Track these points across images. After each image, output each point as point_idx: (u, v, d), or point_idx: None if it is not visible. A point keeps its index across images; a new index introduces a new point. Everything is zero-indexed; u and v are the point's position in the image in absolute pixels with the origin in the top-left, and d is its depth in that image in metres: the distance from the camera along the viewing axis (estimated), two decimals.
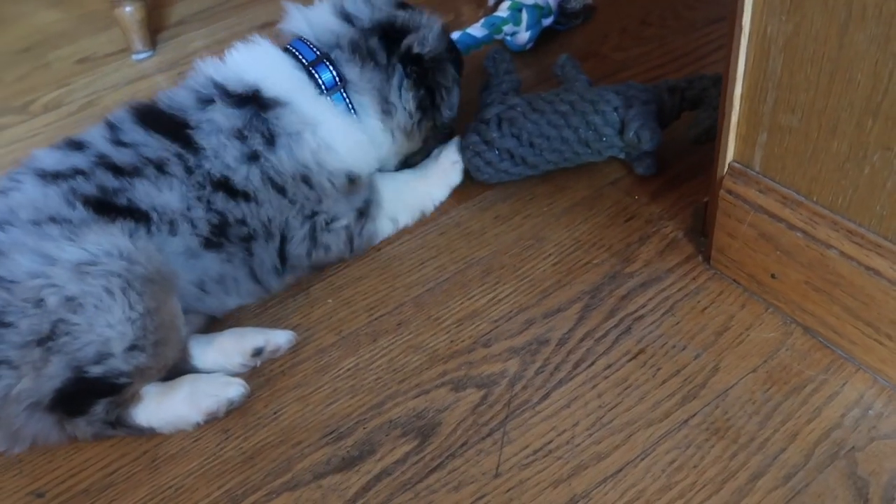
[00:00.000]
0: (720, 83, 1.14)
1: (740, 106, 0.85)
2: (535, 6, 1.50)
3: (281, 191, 1.01)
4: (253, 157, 0.99)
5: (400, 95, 1.08)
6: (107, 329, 0.85)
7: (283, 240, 1.03)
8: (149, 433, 0.91)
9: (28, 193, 0.91)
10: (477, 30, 1.49)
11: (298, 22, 1.09)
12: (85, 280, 0.84)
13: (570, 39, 1.56)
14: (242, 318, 1.07)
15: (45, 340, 0.83)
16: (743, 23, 0.79)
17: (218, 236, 0.98)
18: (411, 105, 1.09)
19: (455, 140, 1.17)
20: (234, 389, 0.92)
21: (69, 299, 0.83)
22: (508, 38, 1.52)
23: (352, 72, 1.06)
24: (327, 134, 1.02)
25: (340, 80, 1.06)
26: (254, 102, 1.00)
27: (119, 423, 0.88)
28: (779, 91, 0.80)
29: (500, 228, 1.14)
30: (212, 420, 0.92)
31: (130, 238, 0.89)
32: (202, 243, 0.97)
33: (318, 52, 1.06)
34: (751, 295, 0.97)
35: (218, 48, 1.76)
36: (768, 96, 0.82)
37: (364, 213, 1.08)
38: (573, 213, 1.15)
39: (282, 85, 1.02)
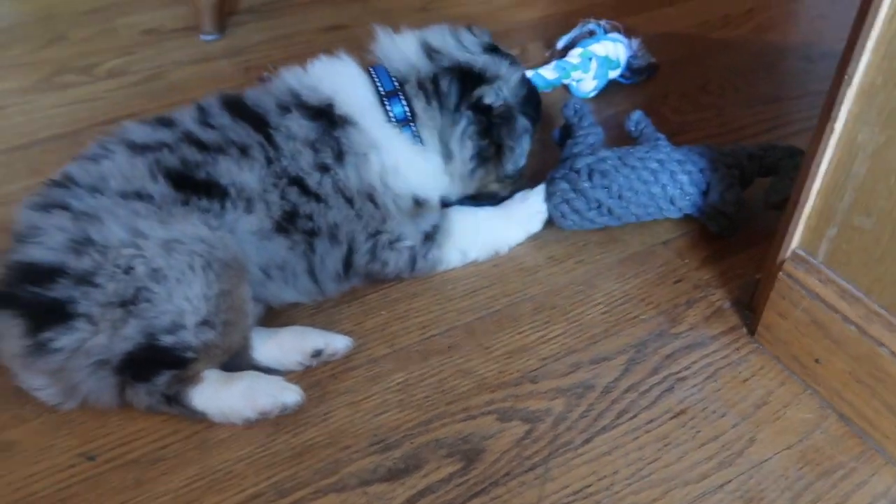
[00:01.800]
0: (794, 156, 1.22)
1: (815, 200, 0.91)
2: (606, 58, 1.55)
3: (349, 202, 1.05)
4: (324, 168, 1.04)
5: (461, 143, 1.11)
6: (184, 302, 0.89)
7: (350, 250, 1.07)
8: (200, 417, 0.94)
9: (118, 162, 0.97)
10: (548, 72, 1.54)
11: (384, 48, 1.13)
12: (171, 255, 0.90)
13: (632, 94, 1.61)
14: (297, 317, 1.10)
15: (128, 304, 0.88)
16: (835, 126, 0.84)
17: (287, 223, 1.02)
18: (468, 155, 1.12)
19: (541, 188, 1.20)
20: (291, 396, 0.94)
21: (155, 270, 0.89)
22: (574, 84, 1.57)
23: (418, 106, 1.10)
24: (392, 158, 1.06)
25: (411, 114, 1.10)
26: (325, 117, 1.05)
27: (175, 401, 0.91)
28: (858, 193, 0.86)
29: (553, 269, 1.18)
30: (262, 419, 0.94)
31: (207, 225, 0.94)
32: (274, 226, 1.01)
33: (395, 84, 1.09)
34: (791, 374, 1.01)
35: (284, 42, 1.83)
36: (846, 196, 0.87)
37: (431, 237, 1.11)
38: (624, 266, 1.19)
39: (354, 105, 1.06)
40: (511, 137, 1.12)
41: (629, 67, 1.59)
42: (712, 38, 1.80)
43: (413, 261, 1.11)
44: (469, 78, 1.10)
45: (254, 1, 2.00)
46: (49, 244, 0.89)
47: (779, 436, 0.95)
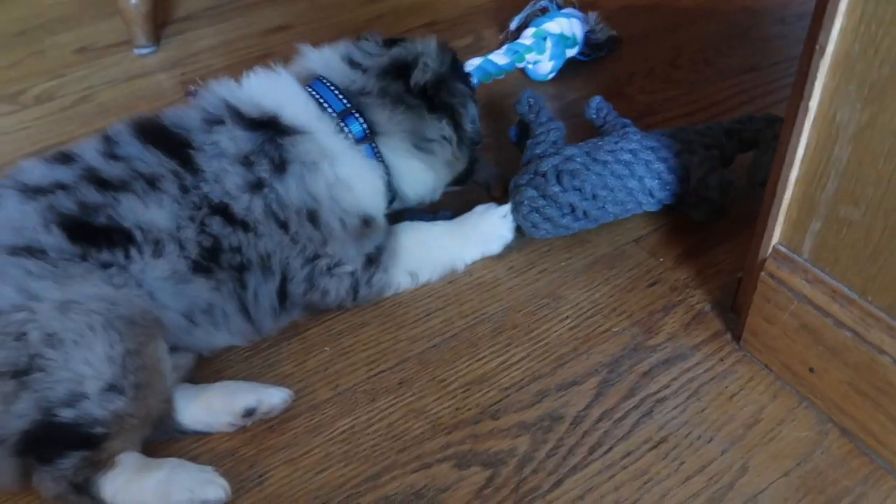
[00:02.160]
0: (774, 124, 1.10)
1: (794, 189, 0.79)
2: (562, 35, 1.43)
3: (283, 226, 0.95)
4: (256, 187, 0.93)
5: (433, 128, 1.06)
6: (84, 366, 0.79)
7: (284, 279, 0.96)
8: None
9: (8, 210, 0.87)
10: (499, 57, 1.42)
11: (316, 63, 1.06)
12: (67, 317, 0.80)
13: (594, 75, 1.49)
14: (232, 361, 0.99)
15: (20, 374, 0.78)
16: (809, 105, 0.72)
17: (208, 261, 0.91)
18: (447, 131, 1.07)
19: (504, 207, 1.08)
20: (213, 491, 0.81)
21: (50, 335, 0.79)
22: (530, 66, 1.45)
23: (381, 117, 1.03)
24: (346, 170, 0.98)
25: (370, 129, 1.03)
26: (270, 128, 0.96)
27: (84, 490, 0.79)
28: (842, 181, 0.74)
29: (513, 282, 1.07)
30: None
31: (110, 284, 0.84)
32: (190, 266, 0.90)
33: (346, 103, 1.01)
34: (783, 385, 0.90)
35: (225, 49, 1.71)
36: (829, 184, 0.75)
37: (374, 260, 1.00)
38: (593, 271, 1.07)
39: (302, 117, 0.98)
40: (456, 96, 1.07)
41: (587, 43, 1.47)
42: (679, 7, 1.67)
43: (355, 288, 1.00)
44: (403, 70, 1.05)
45: (193, 7, 1.88)
46: None
47: (774, 460, 0.83)
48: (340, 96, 1.01)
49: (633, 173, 1.06)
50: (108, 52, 1.72)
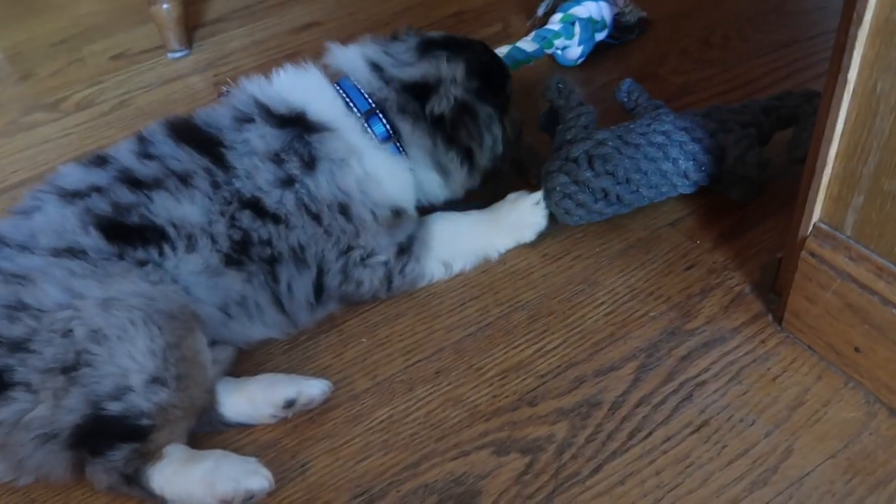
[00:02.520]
0: (813, 99, 1.08)
1: (834, 164, 0.76)
2: (590, 19, 1.41)
3: (316, 219, 0.96)
4: (287, 182, 0.95)
5: (447, 157, 1.05)
6: (128, 360, 0.82)
7: (320, 272, 0.98)
8: (160, 501, 0.83)
9: (49, 214, 0.90)
10: (527, 43, 1.41)
11: (341, 62, 1.05)
12: (110, 313, 0.82)
13: (625, 57, 1.47)
14: (272, 354, 1.01)
15: (69, 370, 0.80)
16: (848, 77, 0.70)
17: (239, 253, 0.93)
18: (457, 162, 1.05)
19: (536, 194, 1.07)
20: (258, 481, 0.82)
21: (94, 331, 0.82)
22: (559, 52, 1.43)
23: (403, 128, 1.03)
24: (373, 165, 0.98)
25: (394, 132, 1.02)
26: (298, 124, 0.97)
27: (135, 480, 0.82)
28: (884, 153, 0.71)
29: (548, 269, 1.06)
30: None
31: (147, 281, 0.87)
32: (222, 260, 0.92)
33: (371, 103, 1.01)
34: (828, 365, 0.88)
35: (256, 49, 1.73)
36: (870, 157, 0.73)
37: (406, 250, 1.01)
38: (628, 256, 1.06)
39: (329, 114, 0.99)
40: (473, 135, 1.03)
41: (617, 26, 1.45)
42: None
43: (389, 278, 1.01)
44: (422, 93, 1.03)
45: (223, 9, 1.91)
46: None
47: (820, 443, 0.81)
48: (366, 96, 1.02)
49: (667, 155, 1.04)
50: (142, 57, 1.76)
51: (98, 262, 0.86)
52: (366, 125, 1.00)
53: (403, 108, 1.02)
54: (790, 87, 1.29)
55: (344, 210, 0.97)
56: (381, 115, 1.01)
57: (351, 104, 1.01)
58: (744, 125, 1.07)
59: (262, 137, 0.95)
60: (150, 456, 0.82)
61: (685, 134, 1.05)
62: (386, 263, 1.00)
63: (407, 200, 1.04)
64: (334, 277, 0.99)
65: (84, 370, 0.80)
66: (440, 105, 1.01)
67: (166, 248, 0.89)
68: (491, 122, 1.05)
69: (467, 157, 1.05)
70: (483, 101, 1.04)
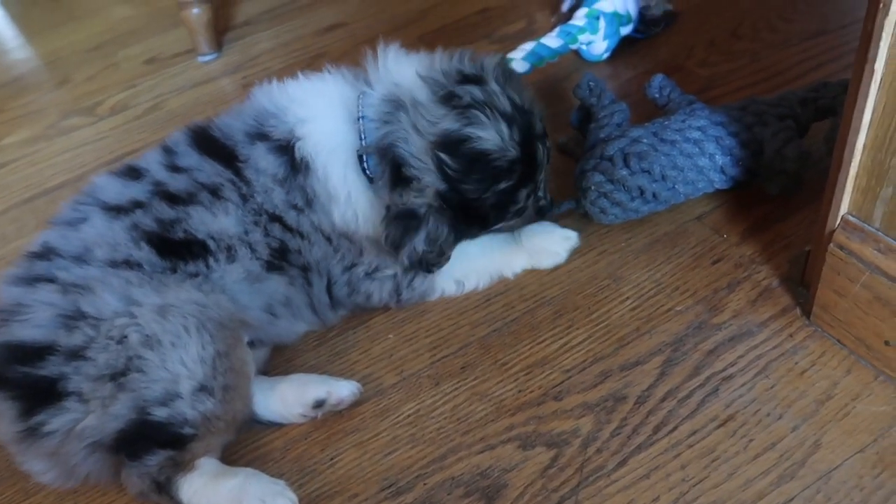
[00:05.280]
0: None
1: (862, 156, 0.76)
2: (615, 14, 1.41)
3: (328, 239, 0.97)
4: (297, 209, 0.95)
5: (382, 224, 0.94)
6: (179, 366, 0.83)
7: (329, 282, 1.00)
8: None
9: (98, 228, 0.91)
10: (552, 40, 1.41)
11: (379, 74, 0.97)
12: (166, 319, 0.84)
13: (652, 51, 1.46)
14: (301, 350, 1.03)
15: (118, 376, 0.82)
16: (875, 67, 0.69)
17: (279, 259, 0.95)
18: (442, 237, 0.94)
19: (569, 230, 1.06)
20: (283, 502, 0.84)
21: (149, 336, 0.83)
22: (584, 47, 1.43)
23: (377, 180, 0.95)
24: (363, 205, 0.95)
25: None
26: (291, 155, 0.94)
27: (165, 490, 0.84)
28: None
29: (573, 264, 1.06)
30: None
31: (199, 290, 0.88)
32: (264, 266, 0.94)
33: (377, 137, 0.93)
34: (858, 359, 0.87)
35: (283, 51, 1.76)
36: None
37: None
38: (654, 250, 1.06)
39: (319, 140, 0.94)
40: (398, 236, 0.92)
41: (642, 20, 1.44)
42: None
43: (398, 290, 1.02)
44: (398, 167, 0.92)
45: (252, 11, 1.94)
46: (36, 321, 0.84)
47: (849, 437, 0.81)
48: (376, 126, 0.93)
49: (704, 151, 1.03)
50: (174, 61, 1.80)
51: (154, 274, 0.88)
52: (363, 160, 0.94)
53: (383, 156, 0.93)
54: (821, 78, 1.27)
55: (346, 235, 0.97)
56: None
57: (361, 130, 0.95)
58: (781, 118, 1.05)
59: (266, 161, 0.94)
60: (184, 466, 0.84)
61: (721, 128, 1.04)
62: (394, 277, 1.00)
63: None
64: (341, 289, 1.00)
65: (134, 375, 0.82)
66: (400, 199, 0.91)
67: (210, 261, 0.91)
68: (422, 240, 0.92)
69: (457, 231, 0.95)
70: (440, 218, 0.92)
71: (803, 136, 1.08)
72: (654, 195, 1.03)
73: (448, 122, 0.90)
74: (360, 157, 0.95)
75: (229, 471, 0.86)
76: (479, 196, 0.92)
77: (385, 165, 0.92)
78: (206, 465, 0.85)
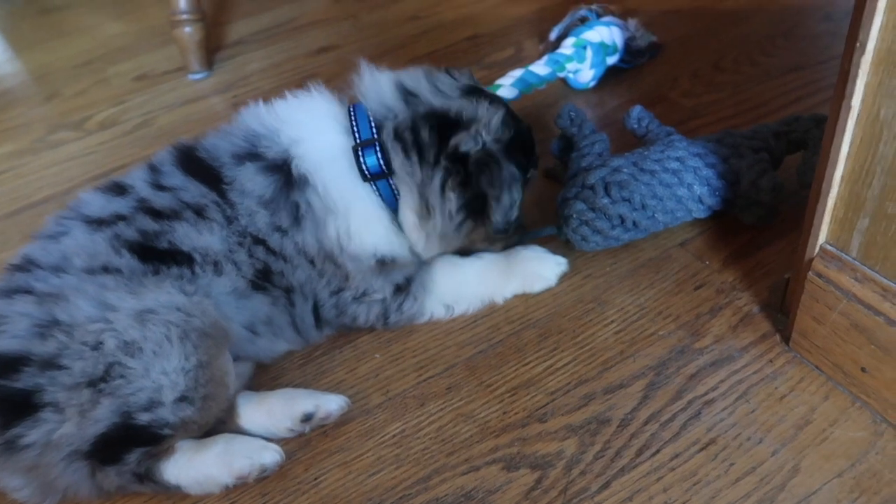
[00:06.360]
0: (822, 123, 1.09)
1: (840, 188, 0.78)
2: (601, 44, 1.44)
3: (311, 262, 0.97)
4: (281, 230, 0.95)
5: (441, 197, 0.96)
6: (162, 376, 0.83)
7: (316, 304, 1.00)
8: (175, 491, 0.87)
9: (78, 239, 0.91)
10: (540, 67, 1.44)
11: (365, 84, 1.01)
12: (146, 326, 0.84)
13: (637, 81, 1.49)
14: (287, 368, 1.03)
15: (97, 382, 0.82)
16: (852, 103, 0.72)
17: (263, 280, 0.95)
18: (452, 208, 0.97)
19: (559, 256, 1.09)
20: (270, 456, 0.87)
21: (128, 343, 0.83)
22: (571, 75, 1.46)
23: (395, 160, 0.96)
24: (347, 223, 0.96)
25: (387, 167, 0.97)
26: (282, 173, 0.95)
27: (147, 477, 0.85)
28: (888, 177, 0.73)
29: (559, 287, 1.08)
30: (241, 483, 0.87)
31: (182, 291, 0.88)
32: (249, 285, 0.95)
33: (373, 131, 0.97)
34: (835, 385, 0.89)
35: (274, 72, 1.77)
36: (875, 181, 0.74)
37: (404, 289, 1.01)
38: (638, 275, 1.08)
39: (314, 157, 0.95)
40: (495, 186, 0.95)
41: (628, 50, 1.48)
42: (721, 8, 1.66)
43: (385, 314, 1.02)
44: (445, 125, 0.96)
45: (244, 31, 1.96)
46: (13, 332, 0.83)
47: (827, 461, 0.82)
48: (372, 124, 0.97)
49: (682, 181, 1.05)
50: (164, 78, 1.81)
51: (132, 277, 0.88)
52: (360, 155, 0.96)
53: (403, 133, 0.96)
54: (799, 111, 1.32)
55: (331, 259, 0.97)
56: (377, 148, 0.96)
57: (354, 127, 0.97)
58: (756, 150, 1.08)
59: (253, 183, 0.94)
60: (163, 454, 0.85)
61: (699, 160, 1.06)
62: (383, 301, 1.01)
63: (392, 250, 0.99)
64: (329, 311, 1.01)
65: (117, 382, 0.82)
66: (467, 144, 0.94)
67: (197, 269, 0.91)
68: (513, 182, 0.97)
69: (472, 208, 0.97)
70: (511, 158, 0.97)
71: (777, 168, 1.11)
72: (634, 223, 1.05)
73: (465, 80, 1.03)
74: (356, 155, 0.96)
75: (208, 440, 0.88)
76: (519, 127, 1.00)
77: (424, 132, 0.95)
78: (185, 444, 0.87)
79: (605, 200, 1.04)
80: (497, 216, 0.97)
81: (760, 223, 1.09)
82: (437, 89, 0.99)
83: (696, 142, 1.11)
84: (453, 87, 1.00)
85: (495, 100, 1.01)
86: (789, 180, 1.11)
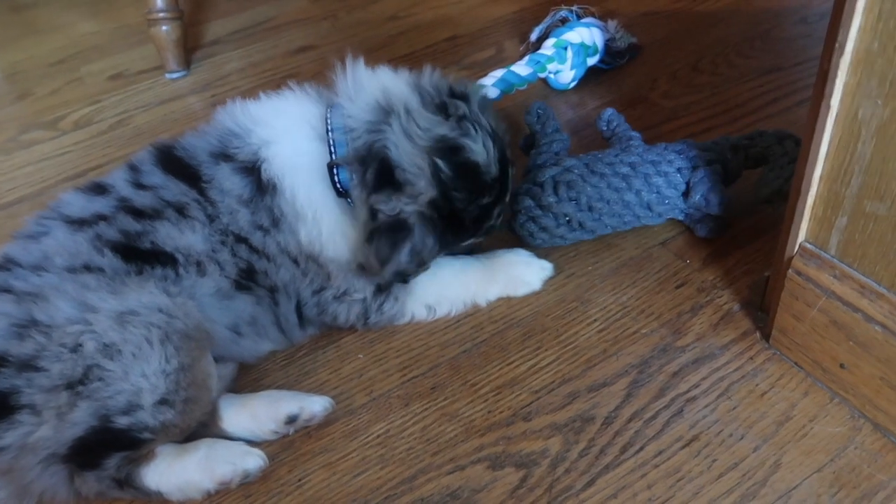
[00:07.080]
0: (784, 140, 1.10)
1: (818, 187, 0.79)
2: (582, 45, 1.45)
3: (295, 261, 0.96)
4: (263, 230, 0.94)
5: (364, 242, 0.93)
6: (141, 379, 0.82)
7: (299, 303, 1.00)
8: (156, 497, 0.86)
9: (59, 239, 0.90)
10: (521, 68, 1.44)
11: (349, 86, 0.97)
12: (126, 328, 0.82)
13: (617, 82, 1.50)
14: (270, 370, 1.02)
15: (75, 385, 0.81)
16: (831, 103, 0.73)
17: (247, 280, 0.95)
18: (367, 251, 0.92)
19: (545, 262, 1.08)
20: (253, 461, 0.86)
21: (107, 346, 0.81)
22: (552, 76, 1.47)
23: (351, 182, 0.93)
24: (327, 227, 0.95)
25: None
26: (255, 176, 0.93)
27: (127, 483, 0.83)
28: (866, 176, 0.74)
29: (541, 287, 1.08)
30: (223, 489, 0.86)
31: (165, 292, 0.87)
32: (233, 285, 0.94)
33: (348, 147, 0.93)
34: (815, 381, 0.90)
35: (252, 71, 1.76)
36: (853, 180, 0.76)
37: (384, 289, 1.00)
38: (620, 274, 1.09)
39: (285, 161, 0.93)
40: (390, 249, 0.90)
41: (608, 51, 1.49)
42: (699, 11, 1.68)
43: (365, 314, 1.01)
44: (391, 169, 0.90)
45: (221, 31, 1.93)
46: None
47: (807, 456, 0.84)
48: (349, 140, 0.93)
49: (631, 186, 1.06)
50: (141, 77, 1.78)
51: (115, 277, 0.86)
52: (335, 172, 0.93)
53: (357, 160, 0.92)
54: (776, 112, 1.34)
55: (313, 259, 0.96)
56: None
57: (330, 138, 0.94)
58: (709, 162, 1.08)
59: (230, 181, 0.93)
60: (143, 459, 0.84)
61: (652, 167, 1.07)
62: (363, 301, 1.00)
63: None
64: (311, 309, 1.00)
65: (95, 385, 0.81)
66: (385, 205, 0.90)
67: (180, 270, 0.90)
68: (415, 253, 0.92)
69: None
70: (432, 230, 0.92)
71: (733, 181, 1.10)
72: (580, 224, 1.06)
73: (444, 129, 0.92)
74: (330, 171, 0.94)
75: (189, 446, 0.86)
76: (465, 207, 0.93)
77: (369, 172, 0.90)
78: (165, 449, 0.85)
79: (552, 199, 1.05)
80: (373, 265, 0.92)
81: (712, 236, 1.10)
82: (414, 120, 0.91)
83: (654, 148, 1.10)
84: (435, 123, 0.92)
85: (447, 151, 0.91)
86: (748, 194, 1.10)
